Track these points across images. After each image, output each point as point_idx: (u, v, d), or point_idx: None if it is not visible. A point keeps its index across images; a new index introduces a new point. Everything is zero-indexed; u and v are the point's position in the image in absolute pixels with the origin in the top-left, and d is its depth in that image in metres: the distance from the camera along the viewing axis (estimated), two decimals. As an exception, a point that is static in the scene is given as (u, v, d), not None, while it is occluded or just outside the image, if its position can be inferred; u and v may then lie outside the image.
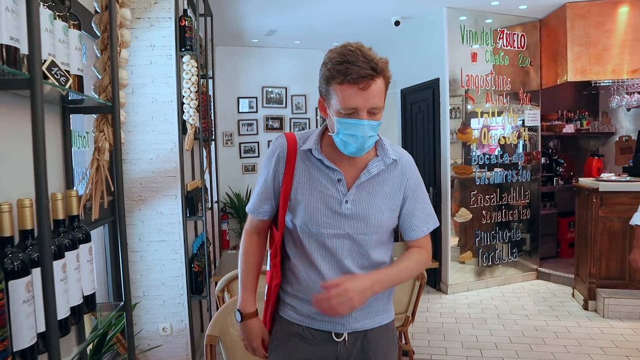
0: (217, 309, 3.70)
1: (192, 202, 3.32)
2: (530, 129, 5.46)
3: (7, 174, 1.16)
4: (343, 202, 1.42)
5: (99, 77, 1.29)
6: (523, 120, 5.40)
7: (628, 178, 4.47)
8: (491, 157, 5.20)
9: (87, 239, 1.23)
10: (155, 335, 3.34)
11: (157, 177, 3.26)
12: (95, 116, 1.29)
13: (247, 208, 1.56)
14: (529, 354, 3.61)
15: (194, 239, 3.72)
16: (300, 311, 1.47)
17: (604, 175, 4.69)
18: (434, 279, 5.26)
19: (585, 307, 4.48)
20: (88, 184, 1.29)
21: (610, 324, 4.14)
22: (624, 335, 3.89)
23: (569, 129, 6.01)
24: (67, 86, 1.05)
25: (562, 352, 3.63)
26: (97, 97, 1.25)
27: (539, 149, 5.56)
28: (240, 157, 6.61)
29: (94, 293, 1.26)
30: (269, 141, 6.64)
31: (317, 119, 6.82)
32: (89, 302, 1.24)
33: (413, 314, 2.98)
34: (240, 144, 6.59)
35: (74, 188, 1.35)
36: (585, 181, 4.63)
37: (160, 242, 3.27)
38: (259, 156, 6.64)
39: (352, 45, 1.32)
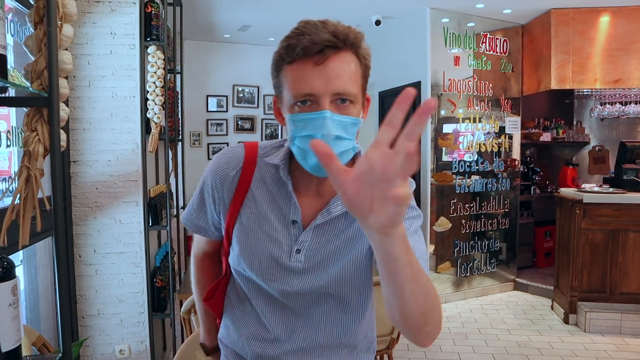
0: (182, 328, 3.37)
1: (155, 210, 2.98)
2: (510, 136, 5.33)
3: None
4: (293, 253, 1.03)
5: (32, 58, 0.98)
6: (503, 128, 5.26)
7: (611, 190, 4.37)
8: (471, 164, 5.03)
9: (8, 274, 0.92)
10: (110, 358, 2.98)
11: (116, 181, 2.91)
12: (25, 110, 0.97)
13: (183, 218, 1.18)
14: (515, 374, 3.43)
15: (156, 250, 3.37)
16: None
17: (586, 186, 4.59)
18: (412, 291, 5.05)
19: (566, 321, 4.36)
20: (13, 200, 0.97)
21: (592, 339, 4.02)
22: (607, 352, 3.77)
23: (546, 137, 5.94)
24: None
25: (548, 371, 3.47)
26: (28, 85, 0.94)
27: (518, 157, 5.44)
28: (209, 159, 6.22)
29: (19, 347, 0.94)
30: (239, 142, 6.31)
31: (290, 121, 6.54)
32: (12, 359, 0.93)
33: (398, 335, 2.74)
34: (208, 144, 6.23)
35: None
36: (567, 192, 4.51)
37: (118, 254, 2.92)
38: (228, 158, 6.31)
39: (313, 20, 0.93)
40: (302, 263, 1.03)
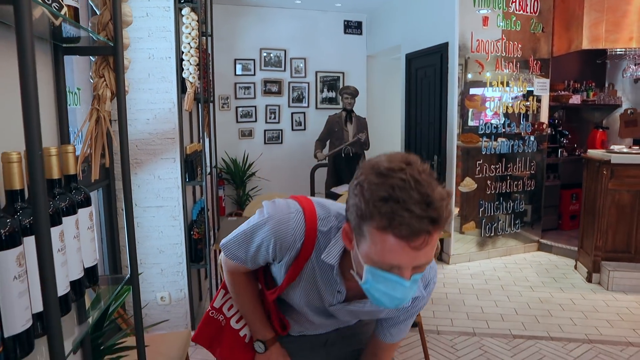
0: (217, 277, 3.57)
1: (191, 166, 3.13)
2: (538, 99, 5.28)
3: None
4: (334, 305, 1.23)
5: (98, 12, 1.09)
6: (532, 90, 5.20)
7: (640, 150, 4.34)
8: (498, 126, 5.03)
9: (87, 202, 1.06)
10: (153, 304, 3.21)
11: (155, 139, 3.07)
12: (93, 59, 1.09)
13: (227, 253, 1.27)
14: (535, 326, 3.54)
15: (192, 205, 3.55)
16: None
17: (615, 147, 4.56)
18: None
19: (589, 280, 4.42)
20: (86, 138, 1.11)
21: (614, 296, 4.09)
22: (629, 309, 3.84)
23: (576, 99, 5.85)
24: (62, 12, 0.85)
25: (569, 324, 3.57)
26: (96, 34, 1.05)
27: (546, 120, 5.40)
28: (237, 122, 6.38)
29: (96, 265, 1.09)
30: (266, 105, 6.42)
31: (317, 84, 6.58)
32: (91, 275, 1.08)
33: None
34: (237, 107, 6.35)
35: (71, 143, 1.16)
36: (595, 153, 4.50)
37: (157, 208, 3.10)
38: (256, 121, 6.42)
39: (404, 172, 0.90)
40: (339, 310, 1.25)
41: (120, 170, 2.99)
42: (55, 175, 0.96)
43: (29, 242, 0.78)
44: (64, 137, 1.17)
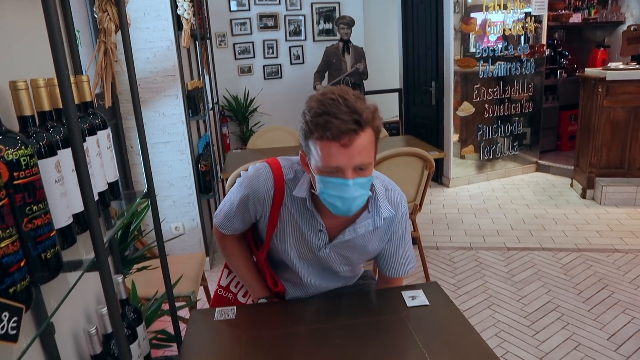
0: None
1: (193, 102, 3.24)
2: (536, 19, 5.22)
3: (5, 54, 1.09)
4: (322, 249, 1.38)
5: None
6: (529, 11, 5.13)
7: (637, 66, 4.36)
8: (495, 49, 5.03)
9: (104, 125, 1.20)
10: (167, 234, 3.42)
11: (156, 77, 3.16)
12: (96, -5, 1.19)
13: (216, 223, 1.49)
14: (529, 239, 3.76)
15: (198, 139, 3.69)
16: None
17: (612, 65, 4.58)
18: (436, 173, 5.33)
19: (583, 196, 4.60)
20: (97, 69, 1.23)
21: (606, 210, 4.28)
22: (619, 220, 4.04)
23: (576, 18, 5.76)
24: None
25: (561, 236, 3.78)
26: (97, -29, 1.14)
27: (544, 41, 5.36)
28: (235, 59, 6.37)
29: (117, 181, 1.25)
30: (264, 41, 6.38)
31: (312, 16, 6.50)
32: (113, 190, 1.24)
33: (421, 203, 3.05)
34: (234, 44, 6.32)
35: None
36: (591, 71, 4.53)
37: (164, 143, 3.24)
38: (254, 57, 6.40)
39: (334, 93, 1.13)
40: (327, 254, 1.40)
41: (124, 112, 3.11)
42: (75, 101, 1.09)
43: (64, 154, 0.92)
44: (77, 69, 1.29)
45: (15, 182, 0.72)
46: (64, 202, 0.91)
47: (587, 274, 3.19)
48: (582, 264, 3.32)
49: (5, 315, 0.59)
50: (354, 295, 1.52)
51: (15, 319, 0.61)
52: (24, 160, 0.74)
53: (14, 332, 0.61)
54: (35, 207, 0.76)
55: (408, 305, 1.35)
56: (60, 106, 1.00)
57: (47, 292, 0.81)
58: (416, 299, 1.37)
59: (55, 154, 0.89)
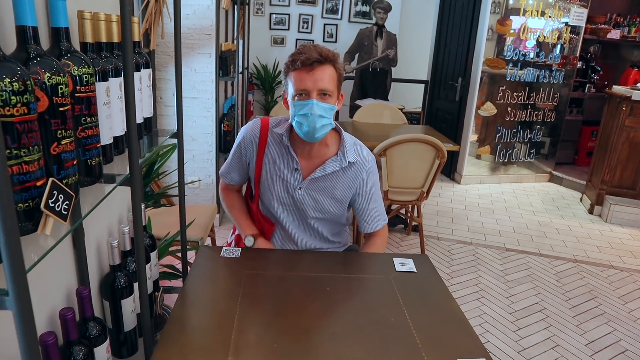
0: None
1: (225, 63, 3.36)
2: (573, 30, 5.20)
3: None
4: (297, 189, 1.61)
5: None
6: (567, 21, 5.12)
7: (665, 89, 4.36)
8: (526, 54, 5.04)
9: (147, 65, 1.32)
10: (185, 188, 3.57)
11: (193, 33, 3.27)
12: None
13: (220, 172, 1.77)
14: (528, 243, 3.84)
15: (224, 100, 3.82)
16: None
17: (640, 85, 4.58)
18: (449, 169, 5.41)
19: (591, 212, 4.65)
20: (148, 14, 1.35)
21: (611, 228, 4.33)
22: (621, 239, 4.09)
23: (614, 34, 5.72)
24: None
25: (561, 245, 3.86)
26: None
27: (577, 53, 5.35)
28: (270, 29, 6.45)
29: (151, 117, 1.37)
30: (300, 14, 6.44)
31: (352, -3, 6.53)
32: (147, 124, 1.37)
33: (428, 191, 3.15)
34: (270, 14, 6.40)
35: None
36: (618, 88, 4.54)
37: (192, 99, 3.37)
38: (289, 29, 6.48)
39: (308, 43, 1.54)
40: (302, 196, 1.62)
41: (159, 63, 3.23)
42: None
43: (113, 81, 1.05)
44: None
45: (76, 95, 0.85)
46: (108, 123, 1.04)
47: (578, 283, 3.28)
48: (575, 274, 3.41)
49: (60, 197, 0.73)
50: (350, 255, 1.65)
51: (67, 202, 0.75)
52: (86, 78, 0.87)
53: (66, 212, 0.74)
54: (89, 119, 0.89)
55: (397, 269, 1.47)
56: (114, 40, 1.12)
57: (83, 197, 0.94)
58: (405, 265, 1.49)
59: (107, 79, 1.02)
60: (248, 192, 1.80)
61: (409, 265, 1.49)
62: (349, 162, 1.58)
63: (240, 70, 4.10)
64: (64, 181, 0.80)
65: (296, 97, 1.47)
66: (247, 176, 1.73)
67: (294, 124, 1.51)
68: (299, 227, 1.70)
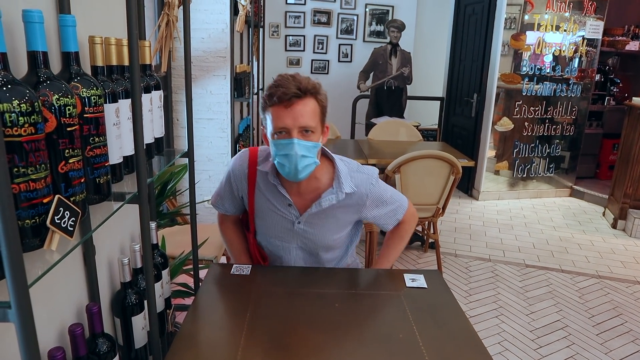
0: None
1: (240, 85, 3.42)
2: (590, 43, 5.16)
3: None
4: (295, 223, 1.52)
5: None
6: (583, 35, 5.09)
7: (686, 100, 4.28)
8: (542, 69, 5.01)
9: (158, 87, 1.36)
10: (200, 207, 3.62)
11: (208, 56, 3.35)
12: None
13: (211, 200, 1.69)
14: (549, 259, 3.77)
15: (240, 120, 3.88)
16: None
17: (660, 96, 4.50)
18: (467, 185, 5.36)
19: (614, 226, 4.54)
20: (159, 38, 1.39)
21: (635, 242, 4.22)
22: (647, 254, 3.98)
23: (633, 46, 5.65)
24: None
25: (583, 261, 3.77)
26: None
27: (595, 66, 5.30)
28: (286, 50, 6.57)
29: (162, 137, 1.41)
30: (315, 35, 6.54)
31: (365, 16, 6.61)
32: (158, 144, 1.40)
33: (444, 207, 3.12)
34: (286, 36, 6.52)
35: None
36: (638, 100, 4.47)
37: (208, 120, 3.44)
38: (304, 50, 6.58)
39: (287, 74, 1.36)
40: (303, 229, 1.53)
41: (175, 86, 3.31)
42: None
43: (123, 103, 1.09)
44: (141, 35, 1.46)
45: (85, 115, 0.89)
46: (117, 143, 1.07)
47: (602, 300, 3.19)
48: (599, 290, 3.32)
49: (67, 214, 0.75)
50: (360, 271, 1.64)
51: (73, 219, 0.77)
52: (94, 99, 0.90)
53: (72, 229, 0.77)
54: (97, 139, 0.92)
55: (407, 285, 1.46)
56: (124, 64, 1.16)
57: (93, 215, 0.96)
58: (416, 281, 1.48)
59: (116, 101, 1.05)
60: (245, 220, 1.71)
61: (420, 281, 1.48)
62: (345, 193, 1.48)
63: (256, 91, 4.17)
64: (72, 199, 0.82)
65: (275, 136, 1.35)
66: (242, 208, 1.64)
67: (275, 163, 1.40)
68: (307, 262, 1.62)
